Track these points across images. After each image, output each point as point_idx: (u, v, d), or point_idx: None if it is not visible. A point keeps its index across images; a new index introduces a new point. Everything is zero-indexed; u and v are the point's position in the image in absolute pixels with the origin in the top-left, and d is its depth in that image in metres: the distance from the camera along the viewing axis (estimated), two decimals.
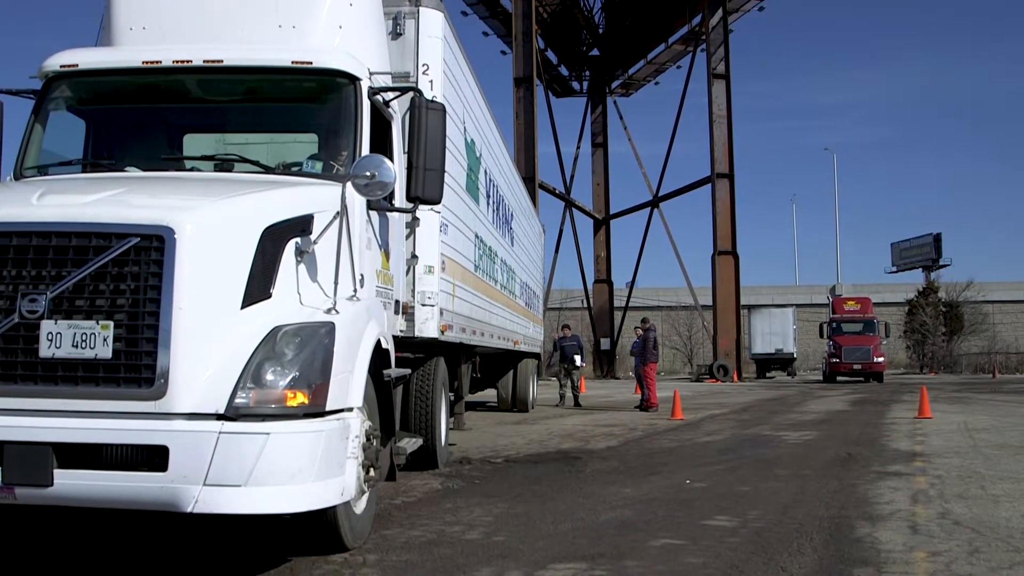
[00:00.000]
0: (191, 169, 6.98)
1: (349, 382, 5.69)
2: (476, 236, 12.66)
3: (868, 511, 7.84)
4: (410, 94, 7.45)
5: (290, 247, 5.83)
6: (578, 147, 56.81)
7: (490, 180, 14.21)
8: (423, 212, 9.23)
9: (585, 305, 57.26)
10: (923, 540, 6.66)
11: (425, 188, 7.22)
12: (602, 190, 57.20)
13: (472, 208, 12.27)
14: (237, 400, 5.06)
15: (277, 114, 7.56)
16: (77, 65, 7.11)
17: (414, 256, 9.32)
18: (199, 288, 5.15)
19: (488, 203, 14.04)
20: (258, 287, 5.52)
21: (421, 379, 10.31)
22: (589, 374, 48.65)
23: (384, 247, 7.64)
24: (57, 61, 7.13)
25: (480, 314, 13.11)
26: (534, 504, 8.19)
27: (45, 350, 4.99)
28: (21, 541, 6.62)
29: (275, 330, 5.30)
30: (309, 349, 5.31)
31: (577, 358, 24.53)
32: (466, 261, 11.73)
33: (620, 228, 79.74)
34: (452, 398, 13.42)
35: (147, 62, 7.02)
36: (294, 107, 7.50)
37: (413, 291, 9.36)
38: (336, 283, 5.76)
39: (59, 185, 6.19)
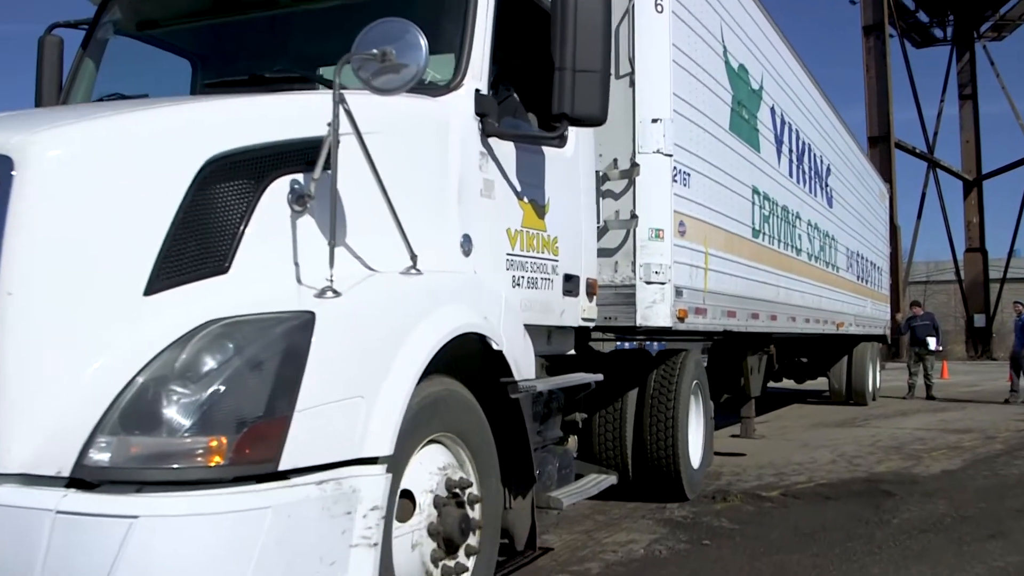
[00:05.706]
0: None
1: (361, 413, 3.31)
2: (754, 191, 9.75)
3: None
4: None
5: (274, 191, 3.57)
6: (942, 100, 50.38)
7: (784, 122, 11.18)
8: (645, 156, 6.84)
9: (955, 278, 50.84)
10: None
11: (575, 101, 4.70)
12: (972, 148, 50.24)
13: (744, 154, 9.39)
14: (92, 454, 2.87)
15: (369, 13, 5.30)
16: None
17: (633, 216, 6.83)
18: (55, 259, 3.02)
19: (779, 150, 11.00)
20: (192, 256, 3.29)
21: (660, 383, 7.72)
22: (961, 355, 43.02)
23: (533, 196, 5.22)
24: None
25: (764, 291, 10.16)
26: None
27: None
28: None
29: (198, 329, 3.07)
30: (244, 358, 3.00)
31: (931, 340, 20.76)
32: (732, 223, 8.90)
33: (994, 190, 70.91)
34: (744, 394, 11.07)
35: None
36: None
37: (634, 264, 6.85)
38: (332, 245, 3.38)
39: None
